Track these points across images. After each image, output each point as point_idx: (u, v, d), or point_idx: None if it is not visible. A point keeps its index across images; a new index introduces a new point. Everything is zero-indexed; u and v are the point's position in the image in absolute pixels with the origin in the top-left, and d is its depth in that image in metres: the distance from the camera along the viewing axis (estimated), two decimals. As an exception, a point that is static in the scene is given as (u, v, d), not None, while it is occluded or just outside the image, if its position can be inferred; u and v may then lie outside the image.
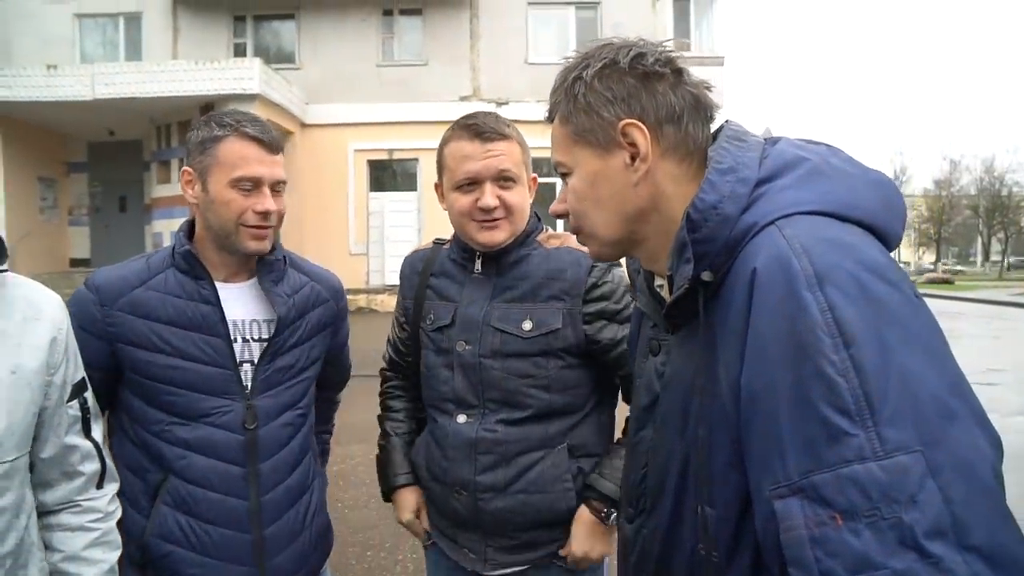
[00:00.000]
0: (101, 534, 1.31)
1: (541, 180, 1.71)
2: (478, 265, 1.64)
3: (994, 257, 54.37)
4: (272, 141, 1.49)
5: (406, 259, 1.84)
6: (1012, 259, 52.25)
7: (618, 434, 1.66)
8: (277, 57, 15.36)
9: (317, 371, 1.66)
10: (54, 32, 15.27)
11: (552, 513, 1.59)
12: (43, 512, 1.25)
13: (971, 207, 51.39)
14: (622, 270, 1.51)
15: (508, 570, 1.62)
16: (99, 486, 1.33)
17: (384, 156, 15.47)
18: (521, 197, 1.60)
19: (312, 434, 1.69)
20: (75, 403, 1.29)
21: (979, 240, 56.10)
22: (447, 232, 1.76)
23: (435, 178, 1.69)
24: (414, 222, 15.28)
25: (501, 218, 1.57)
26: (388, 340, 1.87)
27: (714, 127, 0.96)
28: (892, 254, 0.84)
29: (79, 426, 1.30)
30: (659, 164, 0.91)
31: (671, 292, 0.91)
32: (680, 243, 0.86)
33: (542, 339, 1.57)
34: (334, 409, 1.96)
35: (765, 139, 0.91)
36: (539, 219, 1.70)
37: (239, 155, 1.46)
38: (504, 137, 1.57)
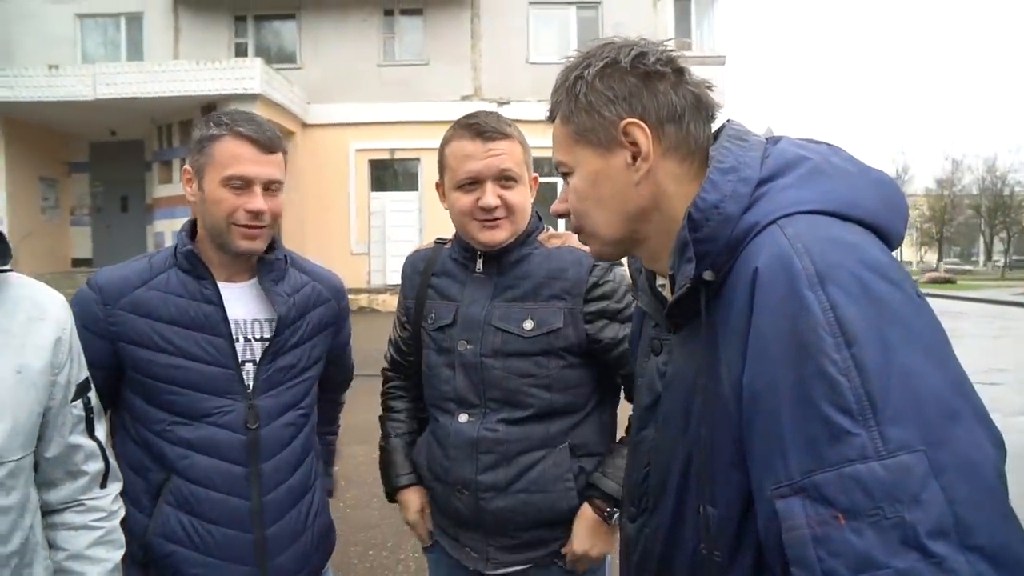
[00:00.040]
0: (105, 533, 1.31)
1: (542, 179, 1.71)
2: (479, 264, 1.64)
3: (996, 257, 54.32)
4: (267, 141, 1.49)
5: (408, 258, 1.84)
6: (1013, 258, 52.17)
7: (621, 433, 1.66)
8: (278, 57, 15.37)
9: (319, 371, 1.66)
10: (55, 32, 15.28)
11: (553, 512, 1.59)
12: (47, 511, 1.26)
13: (973, 206, 51.35)
14: (623, 269, 1.51)
15: (510, 569, 1.62)
16: (103, 485, 1.34)
17: (385, 156, 15.48)
18: (522, 196, 1.60)
19: (314, 434, 1.68)
20: (79, 403, 1.29)
21: (981, 240, 56.04)
22: (448, 232, 1.76)
23: (436, 178, 1.69)
24: (415, 222, 15.29)
25: (502, 217, 1.57)
26: (390, 340, 1.87)
27: (715, 127, 0.96)
28: (894, 253, 0.84)
29: (83, 426, 1.30)
30: (660, 163, 0.91)
31: (673, 291, 0.91)
32: (682, 242, 0.86)
33: (543, 338, 1.57)
34: (338, 410, 1.95)
35: (766, 138, 0.91)
36: (540, 218, 1.70)
37: (231, 154, 1.46)
38: (505, 136, 1.57)
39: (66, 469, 1.28)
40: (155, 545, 1.44)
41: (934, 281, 35.01)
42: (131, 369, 1.46)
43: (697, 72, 0.95)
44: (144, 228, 14.81)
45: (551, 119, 1.00)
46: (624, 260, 1.17)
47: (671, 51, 0.94)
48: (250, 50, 15.47)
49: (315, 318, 1.63)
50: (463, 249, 1.67)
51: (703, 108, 0.93)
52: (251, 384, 1.50)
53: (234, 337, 1.50)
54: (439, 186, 1.67)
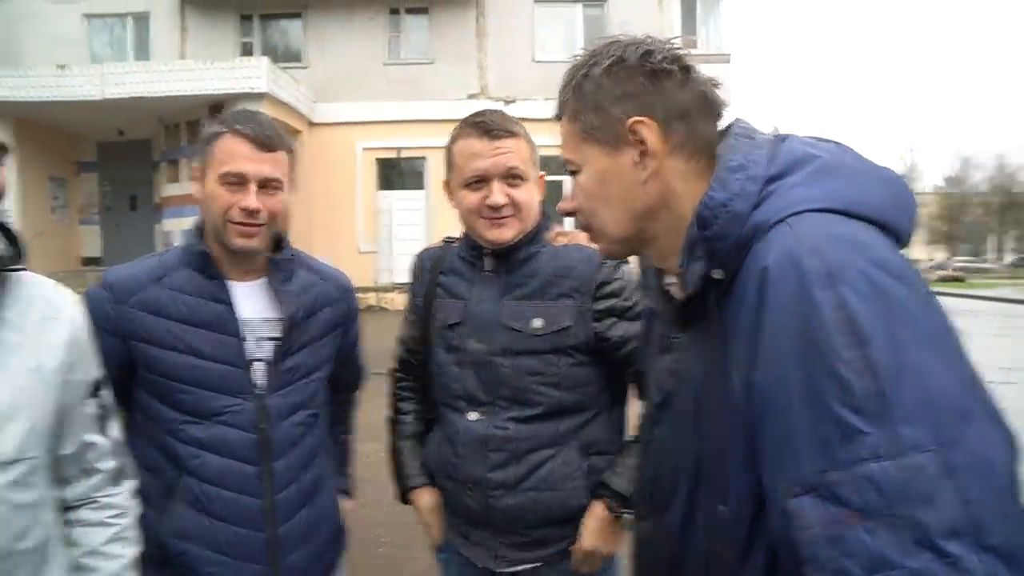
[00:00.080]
0: (120, 529, 1.32)
1: (548, 178, 1.71)
2: (488, 263, 1.64)
3: (1007, 255, 54.02)
4: (264, 139, 1.48)
5: (416, 257, 1.84)
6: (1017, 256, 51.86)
7: (631, 431, 1.66)
8: (284, 56, 15.42)
9: (329, 371, 1.66)
10: (63, 32, 15.36)
11: (563, 510, 1.59)
12: (63, 508, 1.26)
13: (983, 204, 51.08)
14: (632, 267, 1.51)
15: (520, 567, 1.62)
16: (117, 483, 1.34)
17: (392, 154, 15.51)
18: (529, 195, 1.60)
19: (326, 434, 1.69)
20: (93, 401, 1.30)
21: (991, 238, 55.74)
22: (455, 230, 1.76)
23: (443, 176, 1.69)
24: (422, 220, 15.30)
25: (509, 215, 1.57)
26: (398, 338, 1.87)
27: (722, 125, 0.95)
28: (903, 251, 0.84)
29: (97, 424, 1.31)
30: (668, 161, 0.91)
31: (682, 290, 0.91)
32: (690, 241, 0.86)
33: (552, 337, 1.57)
34: (351, 410, 1.95)
35: (774, 137, 0.91)
36: (547, 217, 1.69)
37: (228, 152, 1.47)
38: (512, 135, 1.58)
39: (81, 467, 1.28)
40: (169, 543, 1.45)
41: (944, 279, 34.84)
42: (142, 367, 1.46)
43: (702, 70, 0.95)
44: (153, 227, 14.87)
45: (558, 117, 1.00)
46: (632, 258, 1.17)
47: (678, 49, 0.94)
48: (256, 49, 15.52)
49: (324, 318, 1.64)
50: (471, 247, 1.68)
51: (710, 106, 0.93)
52: (261, 383, 1.51)
53: (243, 336, 1.50)
54: (446, 184, 1.68)
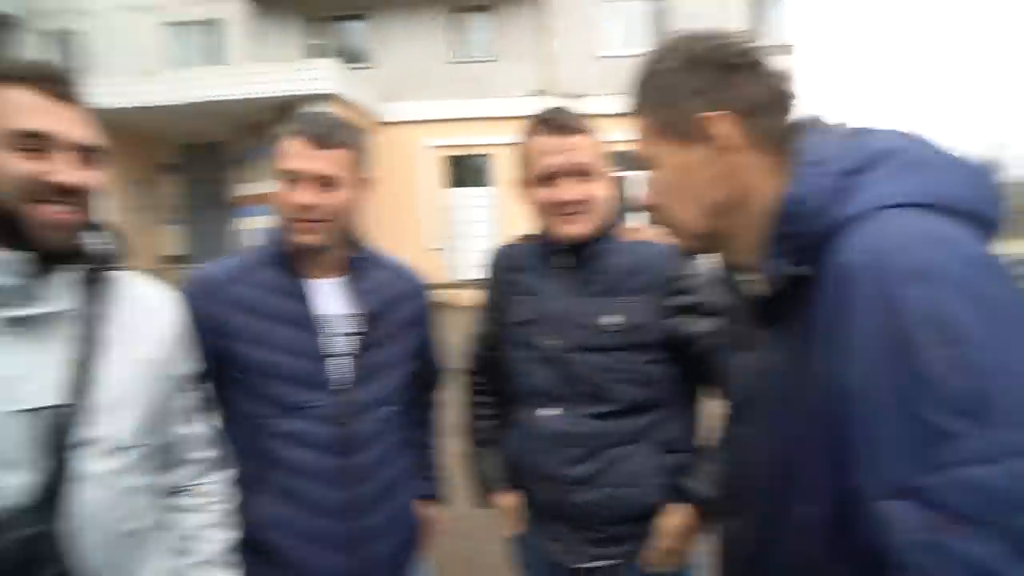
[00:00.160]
0: (217, 516, 1.39)
1: (615, 173, 1.70)
2: (561, 259, 1.65)
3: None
4: (318, 137, 1.50)
5: (491, 254, 1.86)
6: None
7: (712, 431, 1.64)
8: (351, 57, 15.69)
9: (407, 368, 1.68)
10: (143, 42, 16.07)
11: (640, 507, 1.59)
12: (163, 495, 1.33)
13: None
14: (705, 263, 1.49)
15: (595, 563, 1.62)
16: (214, 472, 1.42)
17: (457, 152, 15.62)
18: (600, 190, 1.61)
19: (407, 434, 1.71)
20: (190, 393, 1.38)
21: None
22: (521, 227, 1.78)
23: (508, 173, 1.72)
24: (487, 217, 15.37)
25: (581, 211, 1.58)
26: (473, 335, 1.89)
27: (795, 118, 0.93)
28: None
29: (195, 415, 1.39)
30: (742, 157, 0.90)
31: (761, 287, 0.90)
32: (770, 237, 0.85)
33: (626, 333, 1.57)
34: (431, 413, 1.94)
35: (852, 130, 0.89)
36: (618, 213, 1.69)
37: (285, 151, 1.52)
38: (582, 131, 1.60)
39: (181, 456, 1.36)
40: (258, 533, 1.49)
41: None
42: (229, 363, 1.52)
43: (764, 62, 0.93)
44: (231, 226, 15.40)
45: (631, 113, 1.00)
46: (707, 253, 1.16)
47: (749, 43, 0.92)
48: (324, 51, 15.85)
49: (401, 314, 1.67)
50: (544, 244, 1.69)
51: (782, 99, 0.92)
52: (342, 379, 1.54)
53: (323, 332, 1.54)
54: (518, 181, 1.69)
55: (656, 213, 1.00)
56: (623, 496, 1.58)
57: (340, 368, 1.54)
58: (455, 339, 1.92)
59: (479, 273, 1.90)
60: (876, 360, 0.71)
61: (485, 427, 1.86)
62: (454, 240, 15.55)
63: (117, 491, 1.16)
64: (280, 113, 12.08)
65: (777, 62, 0.95)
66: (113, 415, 1.16)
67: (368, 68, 15.73)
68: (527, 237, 1.78)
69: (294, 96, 12.42)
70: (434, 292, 1.81)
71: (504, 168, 14.29)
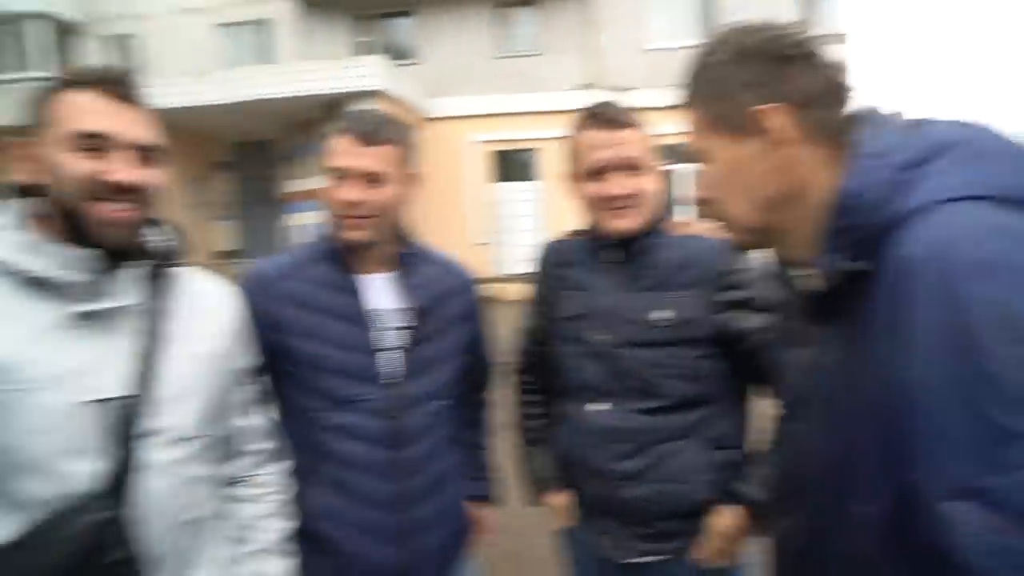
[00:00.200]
0: (274, 506, 1.43)
1: (663, 167, 1.69)
2: (610, 254, 1.65)
3: None
4: (366, 134, 1.52)
5: (540, 249, 1.86)
6: None
7: (763, 432, 1.62)
8: (398, 53, 15.84)
9: (458, 363, 1.69)
10: (195, 43, 16.49)
11: (689, 504, 1.58)
12: (221, 485, 1.37)
13: None
14: (757, 257, 1.47)
15: (644, 558, 1.62)
16: (271, 463, 1.46)
17: (503, 147, 15.64)
18: (649, 184, 1.60)
19: (457, 431, 1.72)
20: (248, 387, 1.42)
21: None
22: (568, 221, 1.78)
23: (554, 168, 1.72)
24: (533, 211, 15.37)
25: (631, 206, 1.57)
26: (521, 330, 1.90)
27: (850, 110, 0.92)
28: None
29: (252, 408, 1.43)
30: (797, 149, 0.88)
31: (816, 282, 0.89)
32: (827, 231, 0.83)
33: (676, 328, 1.56)
34: (482, 410, 1.93)
35: (911, 120, 0.86)
36: (667, 207, 1.68)
37: (333, 149, 1.54)
38: (631, 125, 1.59)
39: (239, 447, 1.40)
40: (312, 524, 1.52)
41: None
42: (282, 357, 1.54)
43: (815, 51, 0.91)
44: (281, 222, 15.73)
45: (683, 106, 0.99)
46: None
47: (803, 34, 0.91)
48: (371, 48, 16.03)
49: (450, 310, 1.68)
50: (594, 239, 1.69)
51: (838, 91, 0.90)
52: (392, 372, 1.56)
53: (374, 326, 1.56)
54: (567, 176, 1.69)
55: (709, 207, 0.99)
56: (672, 492, 1.57)
57: (391, 362, 1.56)
58: (503, 333, 1.92)
59: (526, 267, 1.90)
60: (939, 356, 0.69)
61: (535, 426, 1.86)
62: (500, 235, 15.58)
63: (179, 480, 1.20)
64: (328, 110, 12.26)
65: (830, 52, 0.93)
66: (176, 407, 1.20)
67: (414, 64, 15.85)
68: (576, 232, 1.77)
69: (341, 93, 12.57)
70: (482, 287, 1.82)
71: (550, 162, 14.25)
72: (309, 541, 1.51)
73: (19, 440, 1.07)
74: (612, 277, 1.64)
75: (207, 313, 1.34)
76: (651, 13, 15.51)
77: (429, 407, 1.60)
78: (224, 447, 1.36)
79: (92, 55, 16.48)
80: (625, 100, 1.69)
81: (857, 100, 0.93)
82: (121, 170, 1.15)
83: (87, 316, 1.14)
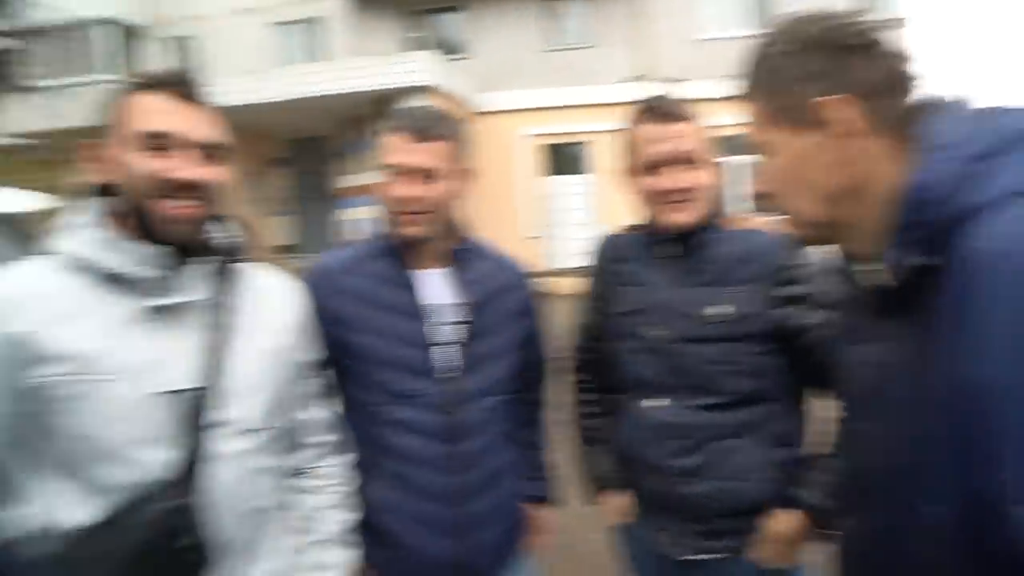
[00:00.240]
0: (336, 497, 1.47)
1: (718, 160, 1.66)
2: (667, 248, 1.64)
3: None
4: (419, 130, 1.53)
5: (596, 243, 1.86)
6: None
7: (823, 434, 1.59)
8: (448, 48, 15.91)
9: (513, 359, 1.69)
10: (250, 42, 16.88)
11: (749, 501, 1.56)
12: (286, 476, 1.41)
13: None
14: (816, 252, 1.45)
15: (702, 556, 1.60)
16: (334, 456, 1.49)
17: (554, 140, 15.58)
18: (706, 178, 1.59)
19: (514, 427, 1.72)
20: (314, 380, 1.46)
21: None
22: (620, 214, 1.77)
23: (605, 161, 1.71)
24: (585, 205, 15.29)
25: (687, 200, 1.56)
26: (577, 325, 1.89)
27: (916, 100, 0.89)
28: None
29: (317, 401, 1.47)
30: (861, 141, 0.87)
31: (881, 277, 0.87)
32: (894, 225, 0.82)
33: (733, 324, 1.54)
34: (539, 409, 1.90)
35: (981, 110, 0.83)
36: (723, 201, 1.66)
37: (387, 146, 1.56)
38: (687, 119, 1.58)
39: (303, 439, 1.44)
40: (373, 516, 1.55)
41: None
42: (342, 351, 1.57)
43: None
44: (333, 216, 16.00)
45: (743, 99, 0.98)
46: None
47: (865, 23, 0.88)
48: (422, 43, 16.15)
49: (505, 305, 1.68)
50: (650, 233, 1.68)
51: (903, 81, 0.87)
52: (448, 367, 1.58)
53: (429, 321, 1.58)
54: (621, 169, 1.68)
55: (770, 202, 0.98)
56: (731, 489, 1.55)
57: (446, 357, 1.58)
58: (556, 327, 1.92)
59: (577, 261, 1.89)
60: (1014, 354, 0.67)
61: (592, 425, 1.85)
62: (551, 228, 15.54)
63: (246, 470, 1.24)
64: (379, 106, 12.39)
65: (892, 39, 0.90)
66: (242, 399, 1.24)
67: (464, 59, 15.90)
68: (632, 227, 1.76)
69: (392, 89, 12.68)
70: (535, 281, 1.82)
71: (601, 156, 14.13)
72: (370, 533, 1.54)
73: (98, 428, 1.12)
74: (668, 272, 1.63)
75: (272, 308, 1.37)
76: (703, 2, 15.22)
77: (485, 402, 1.61)
78: (288, 439, 1.40)
79: (154, 57, 17.02)
80: (677, 91, 1.67)
81: (922, 89, 0.90)
82: (184, 168, 1.19)
83: (158, 310, 1.19)
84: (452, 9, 16.40)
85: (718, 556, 1.59)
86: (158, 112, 1.18)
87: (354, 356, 1.57)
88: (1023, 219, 0.71)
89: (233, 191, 1.27)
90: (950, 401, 0.75)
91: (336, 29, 16.84)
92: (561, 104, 15.08)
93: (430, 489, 1.56)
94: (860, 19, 0.89)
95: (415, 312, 1.58)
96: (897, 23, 14.10)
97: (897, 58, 0.88)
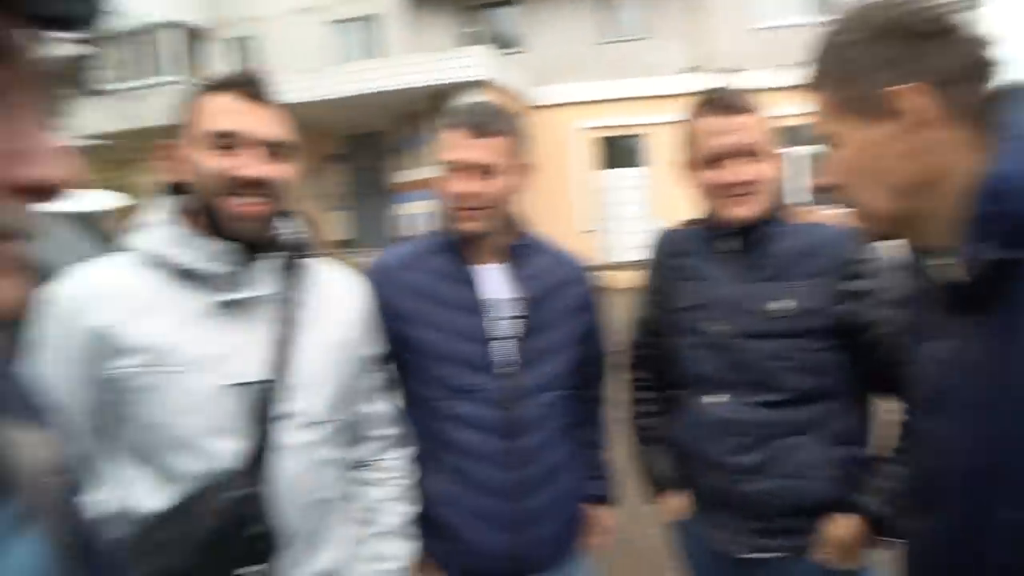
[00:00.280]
0: (398, 490, 1.49)
1: (779, 150, 1.62)
2: (728, 242, 1.61)
3: None
4: (477, 126, 1.54)
5: (655, 238, 1.83)
6: None
7: (886, 437, 1.54)
8: (503, 42, 15.92)
9: (572, 354, 1.68)
10: (308, 41, 17.22)
11: (811, 500, 1.53)
12: (349, 468, 1.44)
13: None
14: (883, 246, 1.40)
15: (760, 554, 1.58)
16: (396, 449, 1.52)
17: (609, 133, 15.45)
18: (768, 171, 1.55)
19: (573, 425, 1.71)
20: (377, 374, 1.49)
21: None
22: (677, 208, 1.74)
23: (662, 153, 1.69)
24: (640, 198, 15.12)
25: (750, 193, 1.53)
26: (635, 320, 1.87)
27: (995, 87, 0.85)
28: None
29: (379, 395, 1.50)
30: (935, 131, 0.84)
31: (957, 271, 0.84)
32: (971, 218, 0.79)
33: (796, 319, 1.51)
34: (599, 407, 1.87)
35: None
36: (783, 194, 1.62)
37: (445, 142, 1.57)
38: (749, 110, 1.55)
39: (366, 432, 1.47)
40: (432, 509, 1.56)
41: None
42: (402, 346, 1.59)
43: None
44: (390, 212, 16.22)
45: (812, 88, 0.95)
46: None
47: (940, 7, 0.85)
48: (477, 38, 16.20)
49: (563, 301, 1.68)
50: (710, 227, 1.65)
51: (981, 68, 0.84)
52: (507, 362, 1.58)
53: (488, 316, 1.59)
54: (682, 163, 1.66)
55: (838, 194, 0.95)
56: (793, 488, 1.52)
57: (504, 351, 1.58)
58: (613, 320, 1.91)
59: (633, 254, 1.87)
60: None
61: (650, 424, 1.83)
62: (607, 222, 15.42)
63: (310, 462, 1.27)
64: (435, 101, 12.48)
65: (970, 24, 0.87)
66: (308, 392, 1.27)
67: (519, 53, 15.89)
68: (691, 221, 1.74)
69: (448, 84, 12.76)
70: (593, 275, 1.81)
71: (657, 148, 13.95)
72: (429, 526, 1.56)
73: (170, 418, 1.16)
74: (730, 266, 1.60)
75: (337, 302, 1.41)
76: (762, -11, 14.85)
77: (542, 398, 1.61)
78: (352, 432, 1.43)
79: (217, 58, 17.53)
80: (735, 81, 1.63)
81: (1002, 75, 0.86)
82: (250, 166, 1.22)
83: (228, 305, 1.23)
84: (507, 3, 16.41)
85: (777, 555, 1.56)
86: (226, 112, 1.22)
87: (414, 351, 1.59)
88: None
89: (293, 187, 1.30)
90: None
91: (392, 26, 17.04)
92: (616, 97, 14.93)
93: (489, 484, 1.57)
94: (934, 4, 0.86)
95: (474, 307, 1.59)
96: (974, 4, 13.48)
97: (975, 43, 0.84)
